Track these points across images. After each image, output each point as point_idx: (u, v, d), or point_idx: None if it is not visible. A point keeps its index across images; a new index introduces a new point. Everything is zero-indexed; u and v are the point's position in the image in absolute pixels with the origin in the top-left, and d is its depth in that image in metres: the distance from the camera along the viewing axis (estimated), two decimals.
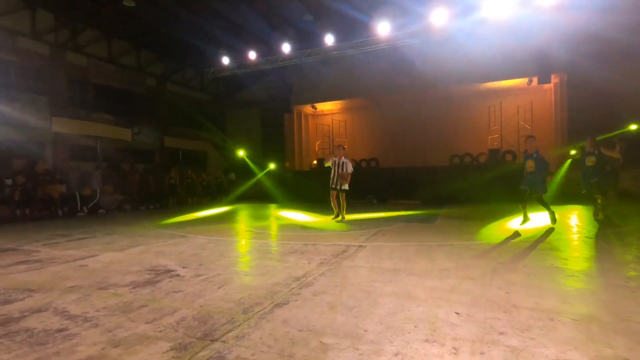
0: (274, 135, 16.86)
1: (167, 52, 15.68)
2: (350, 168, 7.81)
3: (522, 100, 13.69)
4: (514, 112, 13.61)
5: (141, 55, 15.45)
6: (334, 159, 7.88)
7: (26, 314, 2.68)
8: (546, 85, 13.02)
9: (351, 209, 8.59)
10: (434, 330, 2.22)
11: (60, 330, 2.36)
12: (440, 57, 12.55)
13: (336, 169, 7.76)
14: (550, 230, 5.71)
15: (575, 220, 7.15)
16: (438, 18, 10.64)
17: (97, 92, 13.93)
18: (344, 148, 8.13)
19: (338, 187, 7.76)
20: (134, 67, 15.22)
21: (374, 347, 2.03)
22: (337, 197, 7.86)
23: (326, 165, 8.02)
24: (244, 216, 8.86)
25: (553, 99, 13.24)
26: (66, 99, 12.72)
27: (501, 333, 2.16)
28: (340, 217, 7.83)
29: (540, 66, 11.66)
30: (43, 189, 10.31)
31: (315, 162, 16.63)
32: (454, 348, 1.99)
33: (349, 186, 7.80)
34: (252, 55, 13.47)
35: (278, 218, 8.32)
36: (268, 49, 13.47)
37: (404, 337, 2.14)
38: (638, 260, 3.86)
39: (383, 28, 11.38)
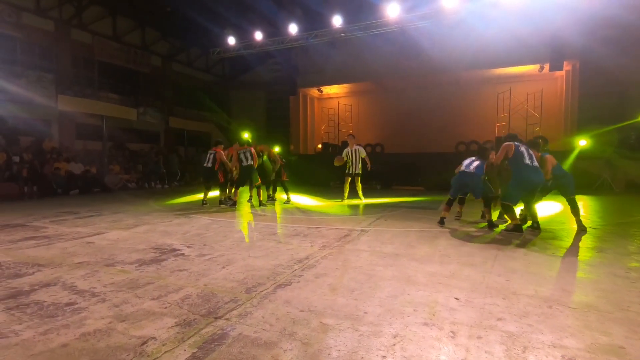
0: (279, 117, 16.77)
1: (172, 31, 15.49)
2: (364, 153, 8.50)
3: (532, 87, 13.42)
4: (523, 100, 13.38)
5: (146, 33, 15.29)
6: (347, 149, 8.46)
7: (36, 287, 2.76)
8: (557, 73, 12.71)
9: (355, 194, 8.62)
10: (433, 315, 2.25)
11: (69, 304, 2.43)
12: (450, 41, 12.27)
13: (352, 158, 8.39)
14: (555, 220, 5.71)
15: (580, 210, 7.12)
16: (449, 0, 10.34)
17: (102, 70, 13.88)
18: (354, 137, 8.71)
19: (352, 173, 8.42)
20: (138, 45, 15.09)
21: (373, 328, 2.07)
22: (352, 183, 8.54)
23: (344, 161, 8.47)
24: (247, 198, 8.90)
25: (564, 87, 12.96)
26: (72, 77, 12.70)
27: (499, 319, 2.19)
28: (344, 200, 8.54)
29: (552, 52, 11.36)
30: (50, 167, 10.41)
31: (320, 146, 16.57)
32: (452, 332, 2.03)
33: (369, 168, 8.53)
34: (258, 35, 13.25)
35: (282, 201, 8.37)
36: (274, 29, 13.23)
37: (403, 320, 2.18)
38: None
39: (392, 10, 11.10)
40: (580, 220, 4.96)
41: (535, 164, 4.70)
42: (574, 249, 3.95)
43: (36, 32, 11.73)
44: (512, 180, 4.74)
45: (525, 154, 4.69)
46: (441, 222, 5.40)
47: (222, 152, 7.95)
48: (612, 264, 3.37)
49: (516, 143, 4.79)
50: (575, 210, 4.99)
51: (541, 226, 5.03)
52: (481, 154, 5.52)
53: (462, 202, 5.98)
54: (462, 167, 5.39)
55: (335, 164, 8.51)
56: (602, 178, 10.78)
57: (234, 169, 7.90)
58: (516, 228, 4.77)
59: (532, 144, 5.17)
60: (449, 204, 5.52)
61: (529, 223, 5.09)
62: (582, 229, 4.88)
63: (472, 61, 12.58)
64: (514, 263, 3.38)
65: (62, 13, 12.27)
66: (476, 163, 5.33)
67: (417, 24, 11.43)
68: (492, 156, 5.43)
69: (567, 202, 5.12)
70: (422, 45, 12.37)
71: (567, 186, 5.04)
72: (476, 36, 11.79)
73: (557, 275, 3.07)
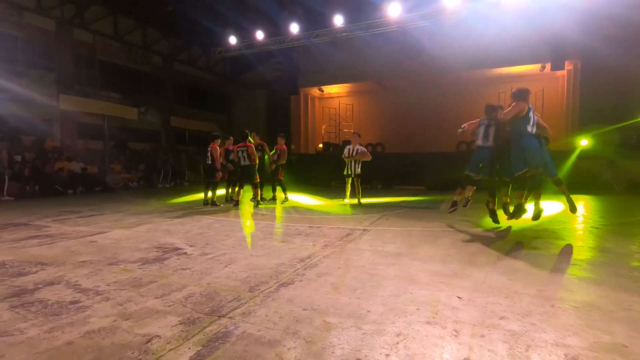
0: (280, 117, 16.74)
1: (173, 30, 15.49)
2: (367, 152, 8.04)
3: (533, 86, 13.20)
4: None
5: (147, 33, 15.28)
6: (349, 147, 8.06)
7: (40, 286, 2.77)
8: (559, 72, 12.69)
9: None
10: (436, 313, 2.26)
11: (73, 303, 2.44)
12: (451, 40, 12.24)
13: (351, 156, 7.98)
14: (556, 219, 5.71)
15: (581, 210, 7.12)
16: (451, 0, 10.33)
17: (103, 70, 13.88)
18: (359, 136, 8.25)
19: (352, 173, 8.01)
20: (140, 45, 15.09)
21: (376, 327, 2.08)
22: (352, 183, 8.13)
23: (344, 157, 8.11)
24: (249, 198, 8.92)
25: (565, 87, 12.95)
26: (73, 76, 12.70)
27: (502, 318, 2.19)
28: (357, 203, 8.01)
29: (554, 52, 11.34)
30: (52, 166, 10.43)
31: (321, 145, 16.58)
32: (455, 330, 2.04)
33: (361, 170, 8.03)
34: (259, 35, 13.25)
35: (280, 200, 8.38)
36: (276, 29, 13.22)
37: (406, 318, 2.19)
38: None
39: (393, 9, 11.09)
40: (570, 199, 4.70)
41: (535, 130, 4.61)
42: (576, 248, 3.95)
43: (38, 31, 11.74)
44: (513, 151, 4.65)
45: (531, 121, 4.55)
46: (454, 205, 5.14)
47: (217, 147, 7.82)
48: (615, 263, 3.37)
49: (530, 106, 4.58)
50: (562, 189, 4.77)
51: (543, 225, 5.03)
52: (489, 113, 5.12)
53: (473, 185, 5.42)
54: (479, 141, 5.09)
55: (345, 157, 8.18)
56: (604, 178, 10.77)
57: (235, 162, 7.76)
58: (519, 208, 4.74)
59: None
60: (463, 185, 5.20)
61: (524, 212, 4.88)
62: (573, 209, 4.70)
63: (473, 61, 12.57)
64: (516, 262, 3.39)
65: (63, 12, 12.27)
66: (492, 132, 5.00)
67: (418, 23, 11.42)
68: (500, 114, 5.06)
69: (553, 184, 4.86)
70: (423, 44, 12.34)
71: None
72: (477, 36, 11.77)
73: (559, 274, 3.07)
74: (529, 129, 4.54)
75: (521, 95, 4.64)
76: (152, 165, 13.85)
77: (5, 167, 9.19)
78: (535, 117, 4.63)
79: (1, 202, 8.54)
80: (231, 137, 8.31)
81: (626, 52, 10.45)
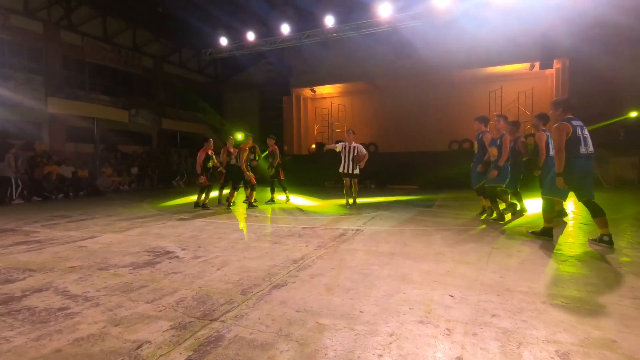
0: (273, 118, 16.72)
1: (163, 31, 15.38)
2: (364, 151, 7.53)
3: (523, 85, 13.56)
4: (515, 98, 13.52)
5: (137, 34, 15.14)
6: (344, 143, 7.51)
7: (27, 293, 2.72)
8: (548, 71, 12.88)
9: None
10: (429, 312, 2.27)
11: (61, 309, 2.40)
12: (442, 40, 12.35)
13: (347, 155, 7.41)
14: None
15: (571, 206, 7.21)
16: (441, 0, 10.40)
17: (92, 72, 13.72)
18: (353, 133, 7.66)
19: (350, 173, 7.44)
20: (129, 47, 14.94)
21: (369, 327, 2.08)
22: (350, 184, 7.55)
23: (337, 150, 7.60)
24: (241, 200, 8.88)
25: (554, 85, 13.13)
26: (62, 79, 12.53)
27: (494, 315, 2.21)
28: (352, 203, 7.61)
29: (543, 51, 11.51)
30: (41, 170, 10.27)
31: (313, 146, 16.57)
32: (448, 329, 2.04)
33: (363, 168, 7.59)
34: (250, 36, 13.22)
35: (276, 201, 8.36)
36: (267, 29, 13.21)
37: (399, 318, 2.19)
38: (631, 246, 3.92)
39: (384, 9, 11.14)
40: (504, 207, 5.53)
41: (591, 149, 3.81)
42: (566, 245, 4.00)
43: (25, 33, 11.55)
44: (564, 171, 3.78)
45: (581, 139, 3.74)
46: (501, 219, 5.36)
47: (205, 152, 7.61)
48: (604, 259, 3.42)
49: (573, 122, 3.77)
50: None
51: (534, 223, 5.09)
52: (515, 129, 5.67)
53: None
54: (510, 159, 5.30)
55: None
56: (595, 175, 10.92)
57: (222, 168, 7.80)
58: (546, 232, 4.24)
59: (542, 117, 5.51)
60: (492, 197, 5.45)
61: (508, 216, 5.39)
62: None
63: (464, 60, 12.69)
64: (508, 260, 3.42)
65: (51, 14, 12.10)
66: (522, 145, 5.43)
67: (408, 23, 11.50)
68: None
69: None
70: (415, 45, 12.43)
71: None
72: (468, 36, 11.89)
73: (549, 271, 3.10)
74: (582, 149, 3.74)
75: (563, 107, 3.95)
76: (169, 166, 14.23)
77: (21, 172, 9.47)
78: (587, 132, 3.84)
79: (11, 206, 8.64)
80: (231, 137, 8.18)
81: (612, 52, 10.64)
